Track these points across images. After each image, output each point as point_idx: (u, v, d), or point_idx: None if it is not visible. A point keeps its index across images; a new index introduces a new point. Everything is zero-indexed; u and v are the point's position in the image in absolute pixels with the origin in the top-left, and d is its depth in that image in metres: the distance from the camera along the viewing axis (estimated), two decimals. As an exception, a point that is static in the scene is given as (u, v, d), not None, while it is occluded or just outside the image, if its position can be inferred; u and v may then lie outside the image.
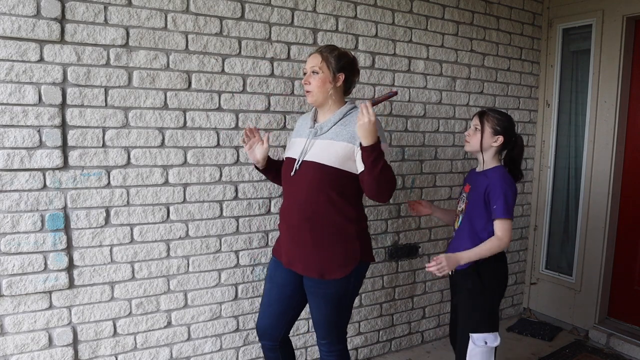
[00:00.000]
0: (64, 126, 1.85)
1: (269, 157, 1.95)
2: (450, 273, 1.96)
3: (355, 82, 1.89)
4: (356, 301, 2.67)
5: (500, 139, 1.94)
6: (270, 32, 2.24)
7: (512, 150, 1.99)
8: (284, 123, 2.32)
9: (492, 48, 3.04)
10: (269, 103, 2.27)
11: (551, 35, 3.26)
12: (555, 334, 3.15)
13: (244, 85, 2.20)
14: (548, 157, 3.33)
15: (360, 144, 1.66)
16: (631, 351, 2.85)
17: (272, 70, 2.26)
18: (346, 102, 1.85)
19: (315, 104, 1.82)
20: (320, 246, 1.76)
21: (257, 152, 1.90)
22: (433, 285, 2.98)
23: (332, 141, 1.74)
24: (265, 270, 2.35)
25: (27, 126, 1.78)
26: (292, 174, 1.79)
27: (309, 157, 1.76)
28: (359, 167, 1.73)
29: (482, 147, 1.95)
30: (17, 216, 1.80)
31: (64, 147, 1.86)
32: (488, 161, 1.98)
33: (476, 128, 1.97)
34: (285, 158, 1.89)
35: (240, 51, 2.17)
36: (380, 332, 2.81)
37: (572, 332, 3.17)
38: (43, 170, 1.83)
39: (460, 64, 2.90)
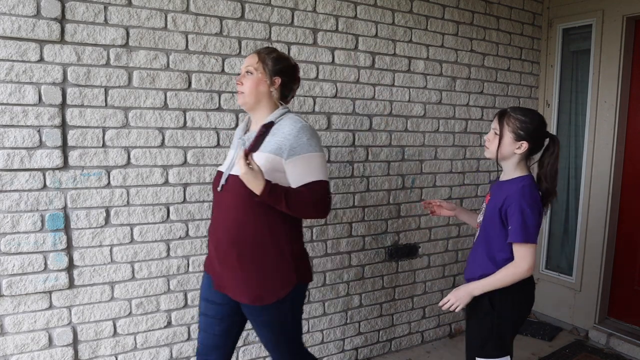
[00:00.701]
0: (64, 126, 1.85)
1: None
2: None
3: (294, 91, 1.74)
4: (356, 301, 2.67)
5: (525, 145, 1.63)
6: (270, 32, 2.24)
7: (543, 158, 1.69)
8: (284, 123, 2.32)
9: (492, 48, 3.04)
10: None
11: (551, 35, 3.26)
12: (555, 334, 3.15)
13: (244, 85, 2.20)
14: (548, 157, 3.32)
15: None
16: (631, 351, 2.85)
17: (272, 70, 2.26)
18: (280, 105, 1.68)
19: (245, 107, 1.67)
20: (249, 270, 1.58)
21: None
22: (433, 285, 2.98)
23: (259, 152, 1.58)
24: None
25: (27, 126, 1.78)
26: (219, 189, 1.64)
27: (235, 171, 1.57)
28: (290, 182, 1.58)
29: (501, 155, 1.66)
30: (17, 216, 1.80)
31: (64, 147, 1.86)
32: (510, 170, 1.69)
33: (495, 132, 1.67)
34: (217, 171, 1.74)
35: (240, 51, 2.17)
36: (380, 332, 2.81)
37: (572, 332, 3.17)
38: (43, 170, 1.83)
39: (460, 64, 2.90)
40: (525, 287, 1.68)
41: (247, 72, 1.64)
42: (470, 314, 1.77)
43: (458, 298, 1.68)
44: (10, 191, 1.78)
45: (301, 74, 2.32)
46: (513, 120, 1.64)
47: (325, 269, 2.53)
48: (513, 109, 1.68)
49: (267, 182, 1.48)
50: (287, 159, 1.55)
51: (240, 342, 2.34)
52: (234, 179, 1.57)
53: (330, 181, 1.95)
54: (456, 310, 1.70)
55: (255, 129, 1.66)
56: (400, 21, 2.62)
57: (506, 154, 1.66)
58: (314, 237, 2.47)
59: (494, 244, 1.67)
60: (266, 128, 1.59)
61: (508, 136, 1.64)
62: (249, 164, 1.45)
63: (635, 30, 2.93)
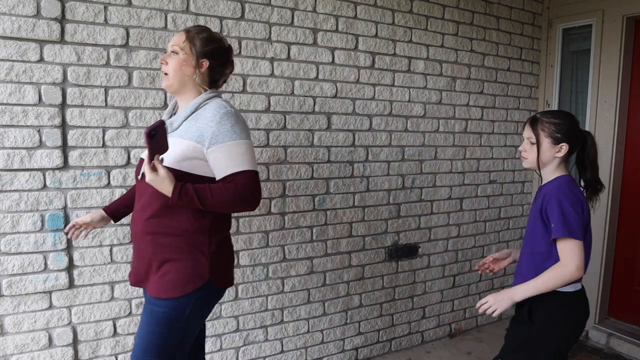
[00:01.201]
0: (64, 126, 1.85)
1: (114, 208, 1.75)
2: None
3: (226, 75, 1.62)
4: (356, 301, 2.67)
5: (565, 146, 1.59)
6: (270, 32, 2.24)
7: (582, 152, 1.64)
8: (284, 123, 2.32)
9: (492, 48, 3.04)
10: (269, 103, 2.27)
11: (551, 35, 3.26)
12: (555, 334, 3.15)
13: (244, 85, 2.20)
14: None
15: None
16: (631, 351, 2.84)
17: (272, 70, 2.26)
18: (208, 89, 1.55)
19: (169, 90, 1.54)
20: (161, 260, 1.48)
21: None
22: (433, 285, 2.98)
23: (181, 139, 1.46)
24: (265, 270, 2.35)
25: (27, 126, 1.78)
26: (139, 177, 1.55)
27: None
28: (214, 172, 1.48)
29: (542, 162, 1.62)
30: (17, 216, 1.80)
31: (64, 147, 1.86)
32: (549, 174, 1.65)
33: (531, 142, 1.63)
34: (140, 158, 1.64)
35: (240, 51, 2.17)
36: (380, 332, 2.81)
37: (572, 332, 3.17)
38: (43, 170, 1.83)
39: (460, 64, 2.90)
40: (572, 301, 1.58)
41: (172, 51, 1.50)
42: (512, 318, 1.70)
43: (497, 301, 1.54)
44: (10, 191, 1.78)
45: (301, 74, 2.33)
46: (547, 125, 1.60)
47: (325, 269, 2.53)
48: (543, 114, 1.64)
49: (176, 185, 1.38)
50: (209, 147, 1.43)
51: (240, 342, 2.34)
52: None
53: (259, 170, 1.74)
54: (493, 315, 1.55)
55: (182, 113, 1.52)
56: (400, 21, 2.62)
57: (546, 160, 1.62)
58: (314, 237, 2.48)
59: (539, 248, 1.59)
60: (162, 124, 1.38)
61: (546, 142, 1.60)
62: (154, 169, 1.36)
63: (635, 30, 2.92)
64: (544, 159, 1.61)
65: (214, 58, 1.53)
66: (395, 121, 2.68)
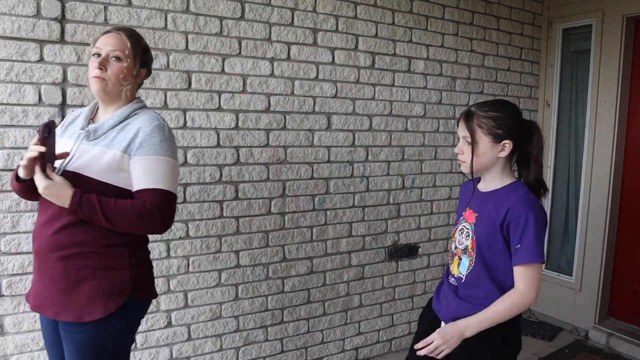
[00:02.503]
0: (64, 126, 1.85)
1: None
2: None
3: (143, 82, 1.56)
4: (356, 301, 2.67)
5: (508, 144, 1.34)
6: (270, 32, 2.24)
7: (526, 149, 1.38)
8: (284, 123, 2.32)
9: (492, 48, 3.04)
10: (269, 103, 2.27)
11: (551, 35, 3.26)
12: (555, 334, 3.15)
13: (244, 85, 2.20)
14: (548, 157, 3.33)
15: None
16: (631, 351, 2.84)
17: (272, 70, 2.26)
18: (136, 98, 1.47)
19: (101, 96, 1.40)
20: (75, 280, 1.33)
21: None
22: (433, 285, 2.98)
23: (105, 149, 1.35)
24: (265, 270, 2.35)
25: (27, 126, 1.78)
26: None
27: (72, 167, 1.34)
28: (134, 183, 1.36)
29: (482, 165, 1.39)
30: (17, 216, 1.80)
31: (64, 147, 1.86)
32: (496, 178, 1.40)
33: (467, 141, 1.37)
34: None
35: (240, 51, 2.17)
36: (380, 332, 2.81)
37: (572, 332, 3.17)
38: (43, 170, 1.83)
39: (460, 64, 2.90)
40: (514, 323, 1.37)
41: (114, 57, 1.36)
42: (460, 356, 1.36)
43: (446, 340, 1.31)
44: (10, 191, 1.78)
45: (301, 74, 2.34)
46: (485, 120, 1.34)
47: (325, 269, 2.53)
48: (479, 107, 1.37)
49: (76, 192, 1.26)
50: (132, 157, 1.34)
51: (240, 342, 2.34)
52: (66, 175, 1.31)
53: (177, 194, 1.67)
54: (438, 357, 1.33)
55: (105, 118, 1.40)
56: (400, 21, 2.62)
57: (487, 162, 1.37)
58: (314, 237, 2.48)
59: (499, 268, 1.34)
60: (49, 128, 1.25)
61: (484, 140, 1.34)
62: (47, 176, 1.24)
63: (635, 30, 2.92)
64: (484, 161, 1.36)
65: (148, 66, 1.49)
66: (395, 121, 2.68)
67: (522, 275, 1.29)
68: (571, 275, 3.23)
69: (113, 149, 1.35)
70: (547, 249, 3.40)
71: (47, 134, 1.22)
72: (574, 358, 2.83)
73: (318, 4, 2.35)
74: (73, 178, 1.31)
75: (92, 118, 1.45)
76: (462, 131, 1.38)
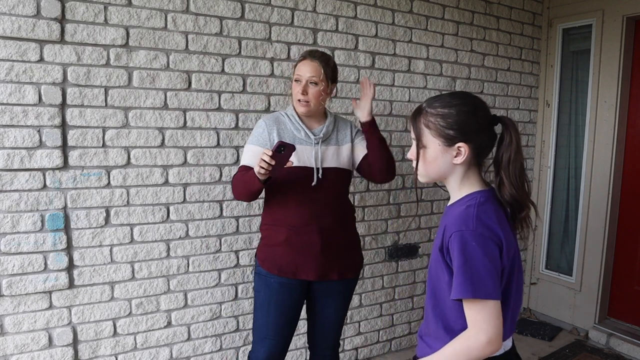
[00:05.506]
0: (64, 126, 1.85)
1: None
2: None
3: None
4: (356, 301, 2.68)
5: (463, 147, 1.06)
6: (270, 32, 2.24)
7: (499, 153, 1.09)
8: (284, 123, 2.32)
9: (492, 48, 3.04)
10: (269, 103, 2.27)
11: (551, 35, 3.26)
12: (555, 334, 3.15)
13: (244, 85, 2.21)
14: (548, 157, 3.33)
15: (364, 123, 1.82)
16: (631, 351, 2.85)
17: (272, 70, 2.26)
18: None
19: (308, 115, 1.79)
20: (351, 245, 1.86)
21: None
22: (433, 285, 2.98)
23: (339, 146, 1.83)
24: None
25: (27, 126, 1.78)
26: (313, 183, 1.75)
27: (327, 164, 1.79)
28: (359, 155, 1.85)
29: (432, 173, 1.12)
30: (17, 216, 1.80)
31: (64, 147, 1.86)
32: (455, 189, 1.13)
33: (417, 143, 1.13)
34: (293, 167, 1.70)
35: (240, 51, 2.17)
36: (380, 332, 2.81)
37: (572, 332, 3.17)
38: (43, 170, 1.83)
39: (460, 64, 2.90)
40: None
41: (311, 82, 1.74)
42: None
43: None
44: (10, 191, 1.78)
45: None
46: (433, 118, 1.07)
47: (325, 269, 2.53)
48: (429, 102, 1.11)
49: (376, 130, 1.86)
50: (354, 140, 1.89)
51: (240, 342, 2.34)
52: (327, 171, 1.77)
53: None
54: None
55: (315, 127, 1.81)
56: (400, 21, 2.62)
57: (441, 170, 1.10)
58: (314, 237, 2.47)
59: (446, 302, 1.07)
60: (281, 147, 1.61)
61: (434, 143, 1.08)
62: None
63: (635, 30, 2.92)
64: (435, 169, 1.10)
65: (336, 80, 1.83)
66: (395, 121, 2.68)
67: (467, 312, 1.01)
68: (571, 275, 3.23)
69: (344, 144, 1.84)
70: (547, 249, 3.40)
71: (279, 151, 1.53)
72: (574, 358, 2.83)
73: (318, 4, 2.35)
74: (332, 171, 1.78)
75: (306, 127, 1.80)
76: (412, 132, 1.13)
